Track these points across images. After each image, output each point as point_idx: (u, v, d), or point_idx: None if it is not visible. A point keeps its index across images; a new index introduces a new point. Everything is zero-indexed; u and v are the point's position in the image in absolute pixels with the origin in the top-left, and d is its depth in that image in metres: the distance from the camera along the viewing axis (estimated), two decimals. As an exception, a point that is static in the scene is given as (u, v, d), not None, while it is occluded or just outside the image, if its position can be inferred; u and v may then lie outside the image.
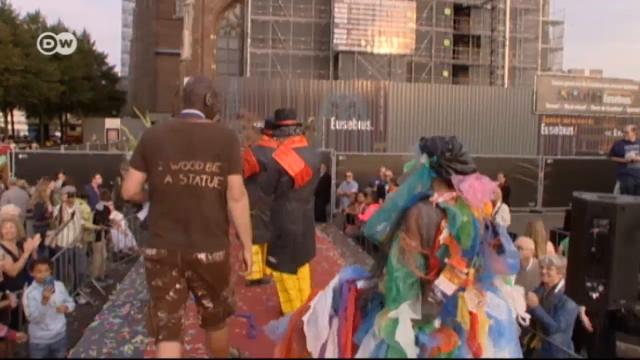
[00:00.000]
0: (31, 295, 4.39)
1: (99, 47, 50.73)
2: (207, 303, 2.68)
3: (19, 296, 4.54)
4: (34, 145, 27.44)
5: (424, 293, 2.04)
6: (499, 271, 2.15)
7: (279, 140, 4.24)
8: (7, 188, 9.19)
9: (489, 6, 31.65)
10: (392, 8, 28.70)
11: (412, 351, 2.00)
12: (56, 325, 4.54)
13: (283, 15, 29.15)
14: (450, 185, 2.15)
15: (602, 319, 3.46)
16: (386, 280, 2.10)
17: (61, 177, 9.21)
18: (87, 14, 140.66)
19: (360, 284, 2.29)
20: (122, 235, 8.48)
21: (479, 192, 2.11)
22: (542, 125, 25.79)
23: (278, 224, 4.13)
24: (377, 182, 10.60)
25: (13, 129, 40.68)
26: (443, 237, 2.06)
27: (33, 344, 4.45)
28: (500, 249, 2.14)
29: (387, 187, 9.60)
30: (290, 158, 3.99)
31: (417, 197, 2.17)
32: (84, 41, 38.70)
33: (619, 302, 2.75)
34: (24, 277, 4.70)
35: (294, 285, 4.23)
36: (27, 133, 47.53)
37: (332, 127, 23.43)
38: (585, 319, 3.93)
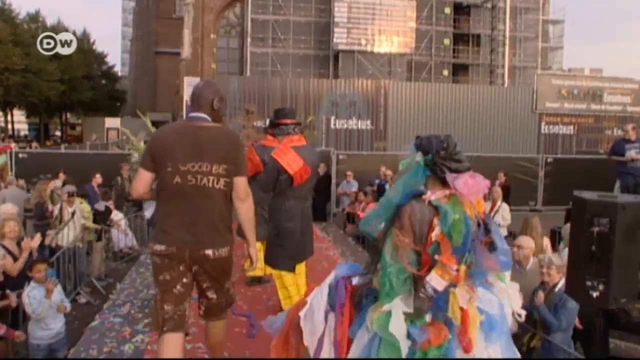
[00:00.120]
0: (31, 294, 4.39)
1: (99, 47, 50.87)
2: (211, 294, 2.80)
3: (19, 296, 4.54)
4: (34, 144, 27.45)
5: (417, 288, 2.08)
6: (491, 268, 2.18)
7: (278, 139, 4.28)
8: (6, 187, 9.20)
9: (489, 5, 31.63)
10: (392, 7, 28.67)
11: (404, 343, 2.04)
12: (56, 325, 4.55)
13: (283, 15, 29.13)
14: (444, 184, 2.19)
15: (594, 317, 3.47)
16: (380, 276, 2.14)
17: (61, 177, 9.21)
18: (87, 13, 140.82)
19: (355, 281, 2.34)
20: (122, 235, 8.48)
21: (473, 189, 2.15)
22: (542, 124, 25.78)
23: (276, 222, 4.16)
24: (377, 181, 10.61)
25: (13, 129, 40.69)
26: (435, 234, 2.10)
27: (34, 344, 4.46)
28: (491, 247, 2.16)
29: (387, 186, 9.60)
30: (289, 156, 4.04)
31: (410, 194, 2.20)
32: (84, 40, 38.70)
33: (619, 300, 2.75)
34: (24, 277, 4.70)
35: (293, 282, 4.27)
36: (27, 132, 47.51)
37: (332, 126, 23.41)
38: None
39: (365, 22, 28.64)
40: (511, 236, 7.66)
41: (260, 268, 5.08)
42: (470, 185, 2.15)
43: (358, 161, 12.53)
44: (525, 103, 25.57)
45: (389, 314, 2.08)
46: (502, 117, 25.17)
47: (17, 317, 4.66)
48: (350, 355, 2.19)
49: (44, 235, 6.57)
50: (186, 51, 28.38)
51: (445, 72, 31.39)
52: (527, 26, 32.53)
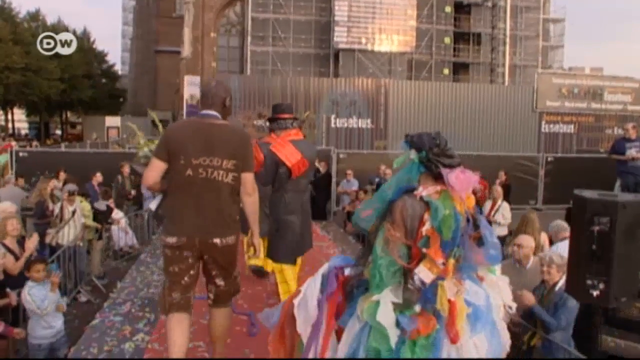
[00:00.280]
0: (32, 292, 4.40)
1: (99, 45, 50.82)
2: (220, 282, 2.98)
3: (20, 294, 4.55)
4: (34, 143, 27.45)
5: (406, 280, 2.15)
6: (479, 262, 2.25)
7: (276, 134, 4.40)
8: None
9: (489, 4, 31.60)
10: (393, 6, 28.66)
11: (393, 332, 2.10)
12: (57, 323, 4.56)
13: (283, 13, 29.12)
14: (435, 180, 2.25)
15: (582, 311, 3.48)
16: (371, 268, 2.21)
17: (62, 176, 9.21)
18: (88, 12, 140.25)
19: (347, 271, 2.40)
20: (122, 234, 8.49)
21: (465, 183, 2.22)
22: (543, 122, 25.77)
23: (277, 216, 4.27)
24: (377, 179, 10.60)
25: (13, 127, 40.69)
26: (425, 228, 2.16)
27: (35, 344, 4.46)
28: (480, 241, 2.24)
29: (387, 185, 9.58)
30: (287, 150, 4.17)
31: (402, 190, 2.26)
32: (84, 39, 38.74)
33: (619, 299, 2.75)
34: (25, 276, 4.71)
35: (294, 276, 4.32)
36: (27, 131, 47.49)
37: (332, 125, 23.40)
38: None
39: (366, 21, 28.62)
40: (511, 235, 7.66)
41: (261, 258, 5.20)
42: (462, 180, 2.22)
43: (358, 160, 12.51)
44: (525, 102, 25.56)
45: (378, 303, 2.14)
46: (502, 115, 25.16)
47: (18, 316, 4.67)
48: (341, 344, 2.25)
49: (44, 234, 6.58)
50: (186, 50, 28.39)
51: (446, 71, 31.38)
52: (528, 25, 32.51)
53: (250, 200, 2.97)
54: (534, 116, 25.60)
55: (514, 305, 2.48)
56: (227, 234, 2.88)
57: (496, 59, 31.50)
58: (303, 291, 2.52)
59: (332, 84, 24.20)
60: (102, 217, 7.99)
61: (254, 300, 4.79)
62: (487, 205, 8.39)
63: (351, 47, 28.77)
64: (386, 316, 2.10)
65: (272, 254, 4.36)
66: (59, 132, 44.18)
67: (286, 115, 4.39)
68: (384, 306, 2.12)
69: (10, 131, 38.49)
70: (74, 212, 7.02)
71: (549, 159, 14.16)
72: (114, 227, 8.31)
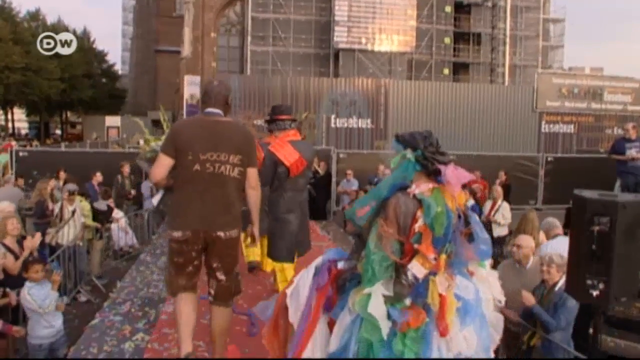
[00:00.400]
0: (31, 292, 4.40)
1: (99, 45, 50.77)
2: (221, 276, 3.04)
3: (19, 294, 4.55)
4: (35, 143, 27.45)
5: (398, 275, 2.21)
6: (470, 257, 2.31)
7: (275, 134, 4.54)
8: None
9: (489, 4, 31.60)
10: (393, 5, 28.65)
11: (384, 324, 2.15)
12: (57, 322, 4.56)
13: (283, 13, 29.11)
14: (428, 178, 2.31)
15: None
16: (364, 263, 2.26)
17: (62, 176, 9.21)
18: (87, 13, 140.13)
19: (340, 265, 2.45)
20: (122, 233, 8.49)
21: (460, 177, 2.31)
22: (543, 122, 25.75)
23: (276, 214, 4.37)
24: (376, 179, 10.60)
25: (13, 127, 40.67)
26: (418, 225, 2.21)
27: (35, 345, 4.46)
28: (471, 237, 2.31)
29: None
30: (286, 150, 4.30)
31: (396, 187, 2.31)
32: (84, 39, 38.71)
33: (619, 299, 2.75)
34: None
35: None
36: (27, 131, 47.47)
37: (332, 125, 23.39)
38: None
39: (366, 21, 28.62)
40: (511, 234, 7.66)
41: (257, 254, 5.30)
42: (458, 175, 2.30)
43: (358, 160, 12.50)
44: (525, 102, 25.54)
45: (369, 296, 2.19)
46: (502, 115, 25.14)
47: (17, 316, 4.67)
48: (333, 336, 2.30)
49: (44, 234, 6.58)
50: (186, 50, 28.39)
51: (446, 71, 31.37)
52: (528, 25, 32.50)
53: (254, 193, 3.10)
54: (534, 116, 25.58)
55: (503, 299, 2.55)
56: (231, 227, 2.99)
57: (496, 59, 31.49)
58: (296, 281, 2.58)
59: (332, 84, 24.19)
60: (103, 217, 7.99)
61: (254, 300, 4.78)
62: (487, 205, 8.39)
63: (351, 47, 28.76)
64: (377, 308, 2.16)
65: (272, 253, 4.44)
66: (59, 131, 44.16)
67: (285, 117, 4.51)
68: (375, 298, 2.17)
69: (10, 131, 38.47)
70: (73, 212, 7.03)
71: (549, 159, 14.15)
72: (113, 227, 8.31)
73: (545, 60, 33.86)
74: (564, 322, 3.76)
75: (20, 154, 11.37)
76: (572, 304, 3.70)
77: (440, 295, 2.18)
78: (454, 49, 31.64)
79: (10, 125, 39.74)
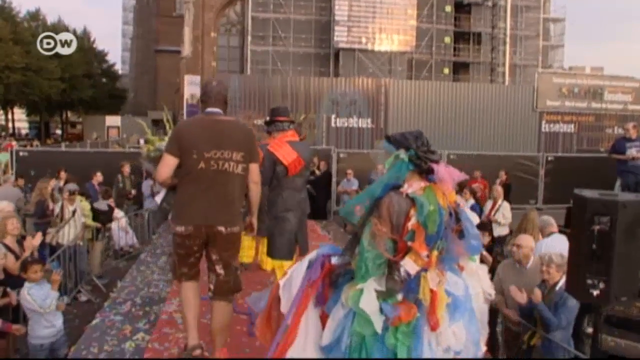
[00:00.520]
0: (31, 292, 4.39)
1: (99, 45, 50.73)
2: (220, 269, 3.14)
3: (19, 294, 4.55)
4: (35, 143, 27.45)
5: (390, 271, 2.27)
6: (460, 253, 2.38)
7: (273, 135, 4.69)
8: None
9: (489, 3, 31.59)
10: (393, 5, 28.64)
11: (376, 318, 2.21)
12: (57, 322, 4.56)
13: (283, 13, 29.11)
14: (420, 177, 2.38)
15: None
16: (357, 260, 2.32)
17: (63, 176, 9.20)
18: (87, 12, 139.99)
19: (334, 260, 2.49)
20: (122, 233, 8.49)
21: (453, 175, 2.39)
22: (543, 122, 25.76)
23: (275, 214, 4.48)
24: (374, 179, 10.60)
25: (14, 127, 40.67)
26: (411, 223, 2.27)
27: (36, 344, 4.46)
28: (461, 234, 2.37)
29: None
30: (284, 150, 4.45)
31: (389, 187, 2.36)
32: (84, 39, 38.69)
33: (619, 299, 2.75)
34: (25, 275, 4.71)
35: None
36: (27, 131, 47.48)
37: (332, 124, 23.40)
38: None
39: (366, 20, 28.61)
40: (511, 234, 7.66)
41: (249, 256, 5.39)
42: (450, 172, 2.38)
43: (358, 160, 12.50)
44: (525, 101, 25.55)
45: (361, 291, 2.25)
46: (502, 115, 25.15)
47: (18, 316, 4.67)
48: (326, 330, 2.36)
49: (44, 234, 6.58)
50: (186, 49, 28.37)
51: (446, 71, 31.37)
52: (528, 24, 32.49)
53: (256, 187, 3.24)
54: (534, 116, 25.59)
55: (493, 292, 2.61)
56: (233, 223, 3.08)
57: (496, 58, 31.49)
58: (290, 273, 2.63)
59: (332, 84, 24.20)
60: (104, 218, 7.99)
61: (254, 300, 4.79)
62: (488, 205, 8.39)
63: (351, 47, 28.76)
64: (369, 303, 2.21)
65: (271, 251, 4.54)
66: (59, 131, 44.16)
67: (283, 118, 4.67)
68: (367, 294, 2.23)
69: (11, 131, 38.48)
70: (74, 212, 7.03)
71: (549, 158, 14.16)
72: (114, 227, 8.31)
73: (545, 60, 33.86)
74: (565, 321, 3.76)
75: (21, 153, 11.37)
76: (573, 304, 3.70)
77: (431, 290, 2.24)
78: (454, 49, 31.64)
79: (10, 125, 39.74)
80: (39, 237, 5.37)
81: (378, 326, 2.20)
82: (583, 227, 2.72)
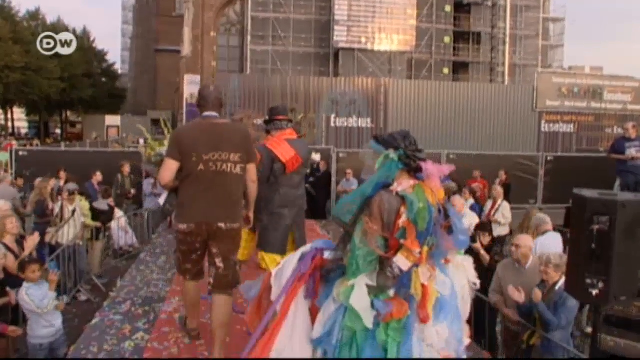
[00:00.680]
0: (30, 292, 4.39)
1: (99, 45, 50.72)
2: (219, 263, 3.26)
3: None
4: (35, 142, 27.44)
5: (382, 268, 2.32)
6: (449, 248, 2.46)
7: (272, 134, 4.78)
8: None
9: (489, 3, 31.61)
10: (393, 5, 28.65)
11: (367, 314, 2.27)
12: (57, 321, 4.55)
13: (283, 13, 29.12)
14: (409, 175, 2.44)
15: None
16: (349, 257, 2.38)
17: (63, 176, 9.19)
18: (87, 12, 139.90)
19: (327, 254, 2.55)
20: (122, 233, 8.48)
21: (440, 171, 2.46)
22: (543, 122, 25.77)
23: (271, 210, 4.56)
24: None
25: (13, 126, 40.66)
26: (402, 221, 2.33)
27: (36, 344, 4.45)
28: (450, 230, 2.44)
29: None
30: (283, 147, 4.55)
31: (379, 186, 2.42)
32: (84, 38, 38.67)
33: (619, 298, 2.76)
34: (25, 275, 4.70)
35: None
36: (27, 130, 47.45)
37: (332, 124, 23.41)
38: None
39: (366, 20, 28.62)
40: (512, 233, 7.66)
41: (243, 254, 5.30)
42: (438, 169, 2.45)
43: (358, 159, 12.43)
44: (525, 101, 25.56)
45: (353, 287, 2.32)
46: (502, 115, 25.15)
47: (18, 316, 4.67)
48: (317, 324, 2.41)
49: (44, 233, 6.58)
50: (186, 49, 28.32)
51: (446, 70, 31.39)
52: (528, 24, 32.51)
53: (254, 185, 3.43)
54: (533, 115, 25.60)
55: (478, 282, 2.69)
56: (232, 220, 3.24)
57: (496, 58, 31.50)
58: (282, 263, 2.70)
59: (332, 83, 24.20)
60: (105, 218, 7.97)
61: (253, 299, 4.79)
62: (488, 204, 8.38)
63: (351, 47, 28.77)
64: (360, 300, 2.28)
65: (264, 244, 4.62)
66: (58, 131, 44.13)
67: (282, 117, 4.77)
68: (358, 290, 2.29)
69: (10, 130, 38.46)
70: (74, 212, 7.02)
71: (549, 158, 14.14)
72: (113, 226, 8.31)
73: (545, 60, 33.87)
74: (564, 321, 3.76)
75: (20, 153, 11.35)
76: (572, 303, 3.70)
77: (422, 285, 2.32)
78: (454, 49, 31.66)
79: (10, 124, 39.72)
80: (36, 237, 5.36)
81: (368, 322, 2.26)
82: (582, 227, 2.72)
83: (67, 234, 6.87)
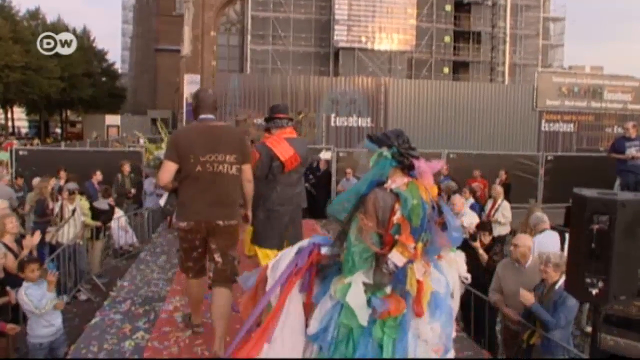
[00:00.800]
0: (29, 292, 4.39)
1: (99, 44, 50.63)
2: (218, 257, 3.41)
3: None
4: (36, 142, 27.42)
5: (378, 265, 2.36)
6: (443, 244, 2.49)
7: (272, 132, 4.77)
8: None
9: (489, 2, 31.60)
10: (393, 4, 28.64)
11: (362, 312, 2.30)
12: (56, 321, 4.55)
13: (283, 12, 29.11)
14: (403, 172, 2.47)
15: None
16: (345, 254, 2.41)
17: (63, 175, 9.19)
18: (87, 12, 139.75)
19: (324, 250, 2.57)
20: (122, 232, 8.48)
21: (433, 168, 2.51)
22: (543, 121, 25.77)
23: (269, 206, 4.57)
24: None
25: (13, 126, 40.63)
26: (396, 217, 2.37)
27: (36, 344, 4.45)
28: (444, 226, 2.48)
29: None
30: (282, 146, 4.56)
31: (373, 183, 2.45)
32: (84, 38, 38.62)
33: (618, 298, 2.76)
34: (24, 274, 4.70)
35: None
36: (27, 130, 47.43)
37: (332, 123, 23.40)
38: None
39: (366, 20, 28.62)
40: (512, 233, 7.66)
41: (248, 249, 5.39)
42: (431, 166, 2.50)
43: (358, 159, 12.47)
44: (525, 101, 25.56)
45: (350, 284, 2.35)
46: (502, 114, 25.15)
47: (18, 315, 4.67)
48: (313, 320, 2.43)
49: (44, 233, 6.58)
50: (186, 48, 28.31)
51: (446, 70, 31.38)
52: (528, 24, 32.50)
53: (249, 185, 3.57)
54: (534, 115, 25.60)
55: (469, 276, 2.71)
56: (230, 217, 3.39)
57: (496, 57, 31.49)
58: (279, 255, 2.73)
59: (332, 83, 24.19)
60: (105, 217, 7.97)
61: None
62: (488, 204, 8.38)
63: (351, 46, 28.76)
64: (356, 297, 2.31)
65: (259, 240, 4.61)
66: (58, 130, 44.10)
67: (282, 115, 4.78)
68: (354, 287, 2.33)
69: (10, 130, 38.44)
70: (74, 211, 7.02)
71: (549, 157, 14.14)
72: (113, 226, 8.31)
73: (545, 59, 33.86)
74: (564, 320, 3.76)
75: (20, 152, 11.35)
76: (572, 303, 3.70)
77: (417, 281, 2.35)
78: (454, 48, 31.65)
79: (10, 124, 39.70)
80: (37, 236, 5.36)
81: (363, 320, 2.29)
82: (582, 226, 2.72)
83: (67, 233, 6.87)
